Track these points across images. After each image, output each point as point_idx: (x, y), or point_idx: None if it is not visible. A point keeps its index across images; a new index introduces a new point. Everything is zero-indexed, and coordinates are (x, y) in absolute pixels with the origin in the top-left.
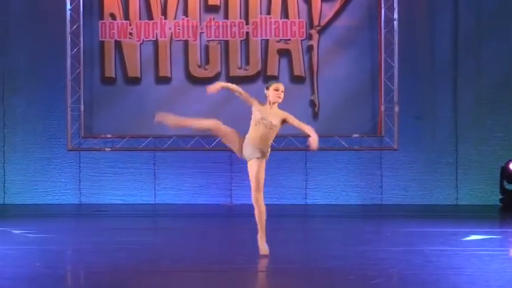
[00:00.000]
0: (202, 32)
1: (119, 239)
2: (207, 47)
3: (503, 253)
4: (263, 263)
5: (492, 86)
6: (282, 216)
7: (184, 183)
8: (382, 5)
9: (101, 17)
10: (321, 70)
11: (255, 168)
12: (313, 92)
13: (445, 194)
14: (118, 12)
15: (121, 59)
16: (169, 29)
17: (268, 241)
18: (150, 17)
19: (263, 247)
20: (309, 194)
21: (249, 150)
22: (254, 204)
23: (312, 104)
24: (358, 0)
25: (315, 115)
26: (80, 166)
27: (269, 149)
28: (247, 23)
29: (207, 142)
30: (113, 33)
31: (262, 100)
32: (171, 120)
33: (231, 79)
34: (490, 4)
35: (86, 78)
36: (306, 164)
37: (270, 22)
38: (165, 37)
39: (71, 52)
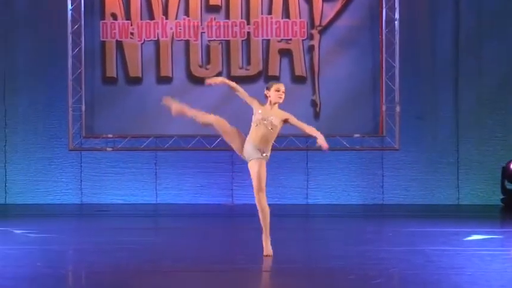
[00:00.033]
0: (204, 32)
1: (120, 238)
2: (208, 47)
3: (505, 253)
4: (264, 263)
5: (493, 86)
6: (283, 216)
7: (185, 183)
8: (384, 5)
9: (102, 17)
10: (322, 70)
11: (255, 169)
12: (314, 92)
13: (447, 194)
14: (119, 12)
15: (122, 59)
16: (171, 28)
17: (271, 241)
18: (151, 16)
19: (267, 248)
20: (310, 194)
21: (250, 151)
22: (257, 205)
23: (313, 104)
24: (360, 0)
25: (316, 115)
26: (81, 166)
27: (270, 150)
28: (248, 23)
29: (209, 142)
30: (114, 33)
31: (262, 100)
32: (176, 107)
33: (232, 79)
34: (491, 4)
35: (87, 78)
36: (307, 163)
37: (271, 22)
38: (166, 37)
39: (72, 52)
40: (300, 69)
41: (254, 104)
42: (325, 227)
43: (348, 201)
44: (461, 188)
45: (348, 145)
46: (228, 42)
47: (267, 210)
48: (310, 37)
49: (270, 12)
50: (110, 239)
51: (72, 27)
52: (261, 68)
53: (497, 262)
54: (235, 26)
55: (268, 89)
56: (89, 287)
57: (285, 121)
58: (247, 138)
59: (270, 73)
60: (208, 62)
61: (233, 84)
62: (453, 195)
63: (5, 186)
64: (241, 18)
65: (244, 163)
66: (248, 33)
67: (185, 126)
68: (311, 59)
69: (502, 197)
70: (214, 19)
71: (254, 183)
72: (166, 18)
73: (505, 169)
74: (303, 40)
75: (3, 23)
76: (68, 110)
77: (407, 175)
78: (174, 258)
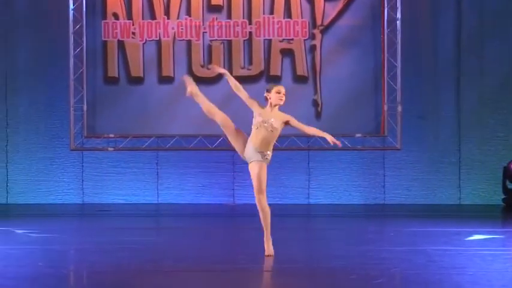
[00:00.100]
0: (205, 32)
1: (122, 238)
2: (210, 47)
3: (506, 253)
4: (266, 263)
5: (495, 86)
6: (285, 216)
7: (187, 183)
8: (385, 5)
9: (104, 17)
10: (324, 70)
11: (256, 170)
12: (316, 92)
13: (448, 193)
14: (121, 12)
15: (124, 58)
16: (172, 28)
17: (272, 241)
18: (153, 16)
19: (268, 248)
20: (312, 194)
21: (250, 153)
22: (257, 205)
23: (315, 103)
24: (361, 0)
25: (318, 115)
26: (82, 166)
27: (271, 152)
28: (250, 23)
29: (210, 142)
30: (116, 33)
31: (263, 102)
32: (192, 89)
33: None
34: (493, 4)
35: (89, 78)
36: (308, 163)
37: (273, 22)
38: (168, 37)
39: (73, 52)
40: (302, 69)
41: (254, 106)
42: (326, 226)
43: (350, 201)
44: (463, 188)
45: (349, 145)
46: (229, 42)
47: (268, 210)
48: (312, 37)
49: (271, 12)
50: (111, 239)
51: (73, 27)
52: (262, 67)
53: (499, 262)
54: (237, 25)
55: (268, 91)
56: (91, 286)
57: (286, 123)
58: (249, 140)
59: (272, 73)
60: (210, 61)
61: (234, 82)
62: (455, 195)
63: (7, 186)
64: (243, 18)
65: (246, 163)
66: (250, 33)
67: (187, 126)
68: (313, 58)
69: (503, 196)
70: (216, 19)
71: (254, 185)
72: (168, 18)
73: (506, 169)
74: (304, 40)
75: (5, 23)
76: (70, 109)
77: (409, 175)
78: (176, 258)
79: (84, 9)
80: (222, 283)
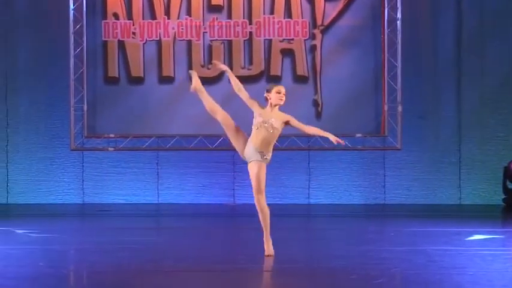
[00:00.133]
0: (206, 32)
1: (122, 238)
2: (210, 47)
3: (506, 253)
4: (266, 263)
5: (495, 86)
6: (285, 216)
7: (187, 183)
8: (386, 5)
9: (104, 17)
10: (324, 70)
11: (255, 170)
12: (316, 92)
13: (448, 193)
14: (121, 12)
15: (124, 58)
16: (173, 28)
17: (272, 241)
18: (153, 16)
19: (268, 248)
20: (312, 194)
21: (250, 152)
22: (256, 205)
23: (315, 103)
24: (362, 0)
25: (318, 115)
26: (83, 166)
27: (271, 152)
28: (250, 23)
29: (210, 142)
30: (116, 33)
31: (263, 102)
32: (196, 84)
33: None
34: (493, 4)
35: (89, 78)
36: (308, 163)
37: (273, 22)
38: (168, 37)
39: (74, 52)
40: (302, 69)
41: (254, 107)
42: (326, 226)
43: (350, 201)
44: (463, 188)
45: (349, 145)
46: (230, 42)
47: (267, 210)
48: (312, 37)
49: (272, 12)
50: (111, 239)
51: (74, 27)
52: (263, 67)
53: (499, 262)
54: (237, 25)
55: (268, 91)
56: (91, 286)
57: (286, 123)
58: (249, 140)
59: (272, 73)
60: (210, 62)
61: (235, 81)
62: (455, 195)
63: (7, 186)
64: (243, 18)
65: (246, 163)
66: (250, 33)
67: (187, 126)
68: (313, 58)
69: (503, 196)
70: (216, 19)
71: (253, 184)
72: (168, 18)
73: (506, 169)
74: (305, 40)
75: (5, 23)
76: (70, 109)
77: (409, 175)
78: (176, 258)
79: (85, 9)
80: (222, 283)
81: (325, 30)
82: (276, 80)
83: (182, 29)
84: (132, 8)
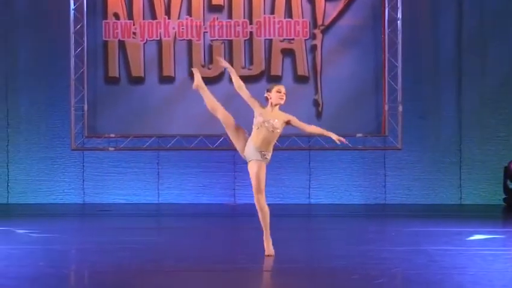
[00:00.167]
0: (206, 32)
1: (123, 238)
2: (210, 47)
3: (507, 253)
4: (266, 263)
5: (496, 86)
6: (285, 216)
7: (187, 183)
8: (386, 5)
9: (105, 17)
10: (324, 70)
11: (254, 169)
12: (316, 92)
13: (449, 193)
14: (122, 11)
15: (125, 58)
16: (173, 28)
17: (272, 241)
18: (153, 16)
19: (268, 248)
20: (313, 194)
21: (250, 152)
22: (256, 205)
23: (316, 103)
24: (362, 0)
25: (319, 115)
26: (83, 166)
27: (271, 152)
28: (251, 23)
29: (211, 142)
30: (117, 32)
31: (263, 102)
32: (199, 82)
33: None
34: (494, 4)
35: (90, 78)
36: (309, 163)
37: (274, 22)
38: (168, 37)
39: (74, 52)
40: (303, 68)
41: (255, 106)
42: (327, 226)
43: (350, 201)
44: (464, 188)
45: (350, 145)
46: (230, 42)
47: (267, 210)
48: (313, 37)
49: (272, 12)
50: (112, 239)
51: (74, 27)
52: (263, 67)
53: (500, 262)
54: (238, 25)
55: (269, 91)
56: (92, 286)
57: (287, 123)
58: (249, 140)
59: (273, 73)
60: (210, 61)
61: (237, 80)
62: (455, 195)
63: (8, 185)
64: (244, 18)
65: (246, 163)
66: (251, 33)
67: (187, 126)
68: (313, 58)
69: (504, 196)
70: (217, 19)
71: (253, 184)
72: (169, 18)
73: (507, 169)
74: (305, 40)
75: (6, 23)
76: (70, 109)
77: (409, 175)
78: (177, 258)
79: (85, 9)
80: (223, 283)
81: (326, 30)
82: (276, 80)
83: (183, 28)
84: (132, 8)
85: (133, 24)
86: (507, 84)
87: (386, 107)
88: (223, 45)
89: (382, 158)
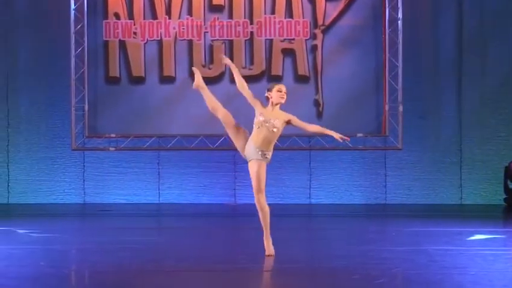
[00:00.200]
0: (207, 32)
1: (123, 238)
2: (211, 47)
3: (507, 253)
4: (267, 263)
5: (496, 86)
6: (286, 216)
7: (188, 183)
8: (387, 5)
9: (105, 17)
10: (325, 70)
11: (255, 169)
12: (317, 92)
13: (449, 193)
14: (122, 11)
15: (125, 58)
16: (174, 28)
17: (272, 240)
18: (154, 16)
19: (269, 247)
20: (313, 194)
21: (251, 151)
22: (256, 204)
23: (316, 103)
24: (363, 0)
25: (319, 114)
26: (84, 166)
27: (271, 151)
28: (251, 23)
29: (211, 142)
30: (117, 32)
31: (264, 102)
32: (199, 81)
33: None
34: (494, 4)
35: (90, 78)
36: (309, 163)
37: (274, 22)
38: (169, 37)
39: (75, 52)
40: (303, 68)
41: (257, 105)
42: (327, 226)
43: (351, 201)
44: (464, 188)
45: (350, 145)
46: (231, 42)
47: (267, 210)
48: (313, 37)
49: (273, 12)
50: (112, 239)
51: (75, 27)
52: (264, 67)
53: (500, 262)
54: (239, 25)
55: (269, 90)
56: (92, 286)
57: (288, 122)
58: (250, 139)
59: (273, 73)
60: (211, 61)
61: (239, 79)
62: (456, 195)
63: (8, 185)
64: (245, 18)
65: (247, 163)
66: (251, 33)
67: (188, 126)
68: (314, 58)
69: (504, 196)
70: (218, 19)
71: (253, 184)
72: (169, 18)
73: (507, 169)
74: (306, 40)
75: (6, 23)
76: (71, 109)
77: (410, 175)
78: (177, 258)
79: (86, 9)
80: (223, 283)
81: (326, 30)
82: (277, 79)
83: (183, 28)
84: (133, 7)
85: (134, 24)
86: (507, 84)
87: (386, 107)
88: (223, 45)
89: (382, 158)
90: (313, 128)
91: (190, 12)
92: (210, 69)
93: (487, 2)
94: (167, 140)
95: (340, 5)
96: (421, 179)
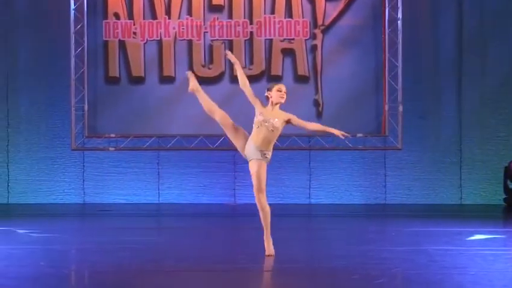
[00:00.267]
0: (206, 32)
1: (123, 238)
2: (211, 47)
3: (507, 253)
4: (266, 263)
5: (496, 86)
6: (286, 216)
7: (188, 183)
8: (386, 5)
9: (105, 17)
10: (325, 70)
11: (255, 169)
12: (317, 92)
13: (449, 193)
14: (122, 11)
15: (125, 58)
16: (173, 28)
17: (272, 240)
18: (154, 16)
19: (269, 248)
20: (313, 194)
21: (251, 151)
22: (257, 204)
23: (316, 103)
24: (362, 0)
25: (319, 114)
26: (83, 166)
27: (271, 151)
28: (251, 23)
29: (211, 142)
30: (117, 32)
31: (264, 101)
32: (194, 84)
33: (235, 79)
34: (494, 4)
35: (90, 78)
36: (309, 163)
37: (274, 22)
38: (169, 37)
39: (75, 52)
40: (303, 68)
41: (257, 105)
42: (327, 226)
43: (351, 201)
44: (464, 188)
45: (350, 145)
46: (230, 41)
47: (268, 209)
48: (313, 37)
49: (272, 12)
50: (112, 239)
51: (75, 27)
52: (263, 67)
53: (500, 262)
54: (238, 25)
55: (269, 90)
56: (92, 286)
57: (288, 122)
58: (249, 139)
59: (273, 73)
60: (211, 61)
61: (242, 77)
62: (456, 195)
63: (8, 185)
64: (244, 18)
65: (247, 163)
66: (251, 32)
67: (188, 126)
68: (314, 58)
69: (504, 196)
70: (217, 19)
71: (254, 183)
72: (169, 18)
73: (507, 169)
74: (305, 40)
75: (6, 23)
76: (71, 109)
77: (410, 175)
78: (177, 258)
79: (86, 9)
80: (223, 283)
81: (326, 30)
82: (276, 79)
83: (183, 28)
84: (132, 7)
85: (134, 24)
86: (507, 84)
87: (386, 107)
88: (223, 45)
89: (382, 158)
90: (313, 126)
91: (190, 12)
92: (209, 69)
93: (487, 2)
94: (167, 140)
95: (340, 5)
96: (421, 179)
